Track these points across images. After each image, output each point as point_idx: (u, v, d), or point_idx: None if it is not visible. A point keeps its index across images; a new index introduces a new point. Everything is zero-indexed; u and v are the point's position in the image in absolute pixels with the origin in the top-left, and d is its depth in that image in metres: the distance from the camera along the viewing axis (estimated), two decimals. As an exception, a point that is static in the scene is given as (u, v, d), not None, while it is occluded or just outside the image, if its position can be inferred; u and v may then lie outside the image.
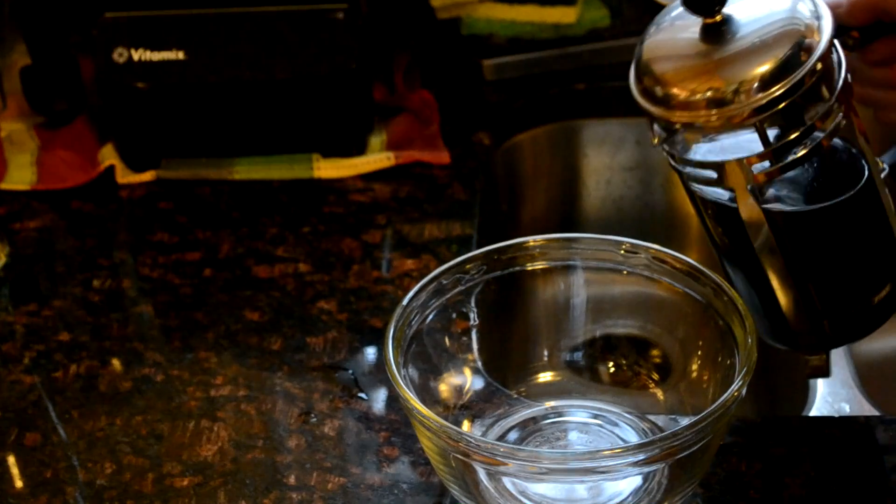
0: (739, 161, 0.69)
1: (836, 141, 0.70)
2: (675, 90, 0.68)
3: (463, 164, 1.06)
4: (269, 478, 0.76)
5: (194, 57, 1.01)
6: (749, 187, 0.69)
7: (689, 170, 0.72)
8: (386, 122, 1.09)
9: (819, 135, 0.68)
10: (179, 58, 1.01)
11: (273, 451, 0.78)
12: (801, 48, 0.66)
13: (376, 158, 1.06)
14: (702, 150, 0.71)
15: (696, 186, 0.73)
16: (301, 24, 1.00)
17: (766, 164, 0.69)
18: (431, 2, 1.21)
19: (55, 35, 1.09)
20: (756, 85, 0.66)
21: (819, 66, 0.66)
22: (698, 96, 0.67)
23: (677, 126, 0.69)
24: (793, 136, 0.68)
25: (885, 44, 0.72)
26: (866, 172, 0.71)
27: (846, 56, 0.70)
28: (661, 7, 1.18)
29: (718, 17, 0.67)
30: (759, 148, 0.68)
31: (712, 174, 0.70)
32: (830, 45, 0.67)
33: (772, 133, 0.68)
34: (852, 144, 0.72)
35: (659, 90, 0.68)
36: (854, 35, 0.71)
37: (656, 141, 0.71)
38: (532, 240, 0.80)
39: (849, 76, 0.69)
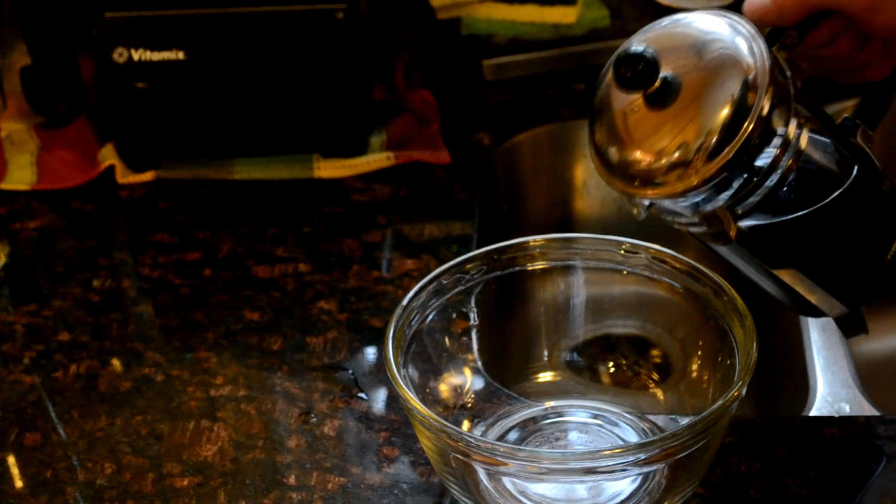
0: (723, 208, 0.68)
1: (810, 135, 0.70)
2: (645, 170, 0.66)
3: (463, 164, 1.06)
4: (269, 478, 0.76)
5: (194, 57, 1.01)
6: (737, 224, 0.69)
7: (676, 222, 0.72)
8: (386, 122, 1.09)
9: (793, 144, 0.67)
10: (179, 58, 1.01)
11: (273, 451, 0.78)
12: (748, 87, 0.65)
13: (376, 158, 1.06)
14: (681, 202, 0.70)
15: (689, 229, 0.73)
16: (301, 24, 1.00)
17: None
18: (431, 2, 1.21)
19: (55, 35, 1.09)
20: (716, 140, 0.65)
21: (767, 103, 0.65)
22: (668, 167, 0.65)
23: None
24: (766, 166, 0.67)
25: (821, 30, 0.72)
26: (853, 169, 0.71)
27: (789, 54, 0.69)
28: (661, 7, 1.18)
29: (658, 83, 0.66)
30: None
31: (700, 224, 0.70)
32: (773, 71, 0.66)
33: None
34: (824, 136, 0.71)
35: (629, 173, 0.67)
36: (791, 34, 0.70)
37: (636, 211, 0.70)
38: (532, 240, 0.80)
39: (798, 82, 0.68)
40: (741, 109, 0.65)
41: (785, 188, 0.69)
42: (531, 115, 1.15)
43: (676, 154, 0.66)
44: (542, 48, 1.19)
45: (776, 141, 0.67)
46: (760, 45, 0.66)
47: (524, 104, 1.15)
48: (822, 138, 0.70)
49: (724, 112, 0.65)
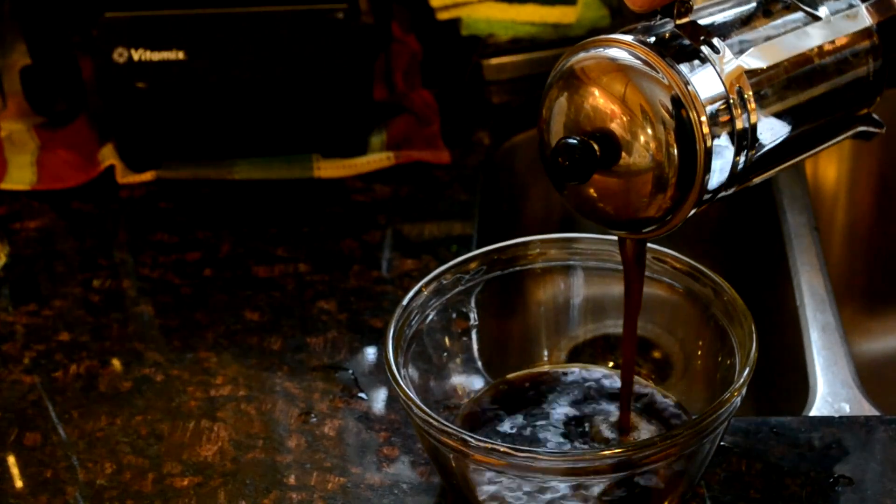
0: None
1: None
2: (642, 218, 0.65)
3: (463, 164, 1.06)
4: (269, 478, 0.76)
5: (194, 57, 1.01)
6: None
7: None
8: (386, 122, 1.09)
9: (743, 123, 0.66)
10: (179, 58, 1.01)
11: (273, 451, 0.78)
12: (677, 106, 0.63)
13: (376, 158, 1.06)
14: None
15: None
16: (301, 24, 1.00)
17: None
18: (431, 2, 1.21)
19: (55, 35, 1.09)
20: (680, 168, 0.63)
21: (702, 111, 0.63)
22: (656, 210, 0.64)
23: None
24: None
25: None
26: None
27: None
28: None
29: (598, 152, 0.64)
30: None
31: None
32: (680, 71, 0.63)
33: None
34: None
35: (634, 225, 0.67)
36: (684, 0, 0.68)
37: None
38: (532, 240, 0.80)
39: (707, 36, 0.65)
40: (684, 129, 0.63)
41: (761, 133, 0.67)
42: (531, 115, 1.15)
43: (657, 196, 0.64)
44: (542, 48, 1.19)
45: (727, 124, 0.64)
46: (656, 61, 0.63)
47: (524, 104, 1.15)
48: (765, 90, 0.67)
49: (670, 140, 0.63)
